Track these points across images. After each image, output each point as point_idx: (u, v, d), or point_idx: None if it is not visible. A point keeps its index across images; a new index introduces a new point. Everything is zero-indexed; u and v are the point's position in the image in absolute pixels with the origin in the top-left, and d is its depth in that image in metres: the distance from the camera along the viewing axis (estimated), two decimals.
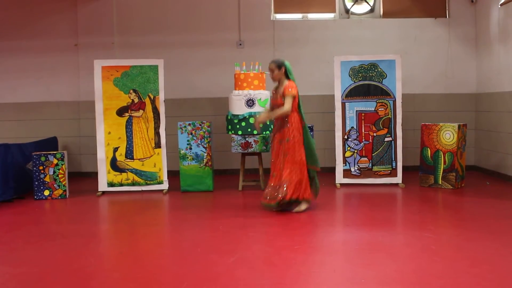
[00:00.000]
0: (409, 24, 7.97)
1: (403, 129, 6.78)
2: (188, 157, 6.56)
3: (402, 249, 4.09)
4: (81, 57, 7.99)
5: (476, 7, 7.90)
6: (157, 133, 6.62)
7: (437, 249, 3.98)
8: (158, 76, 6.61)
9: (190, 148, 6.56)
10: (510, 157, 6.89)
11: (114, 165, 6.59)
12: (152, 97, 6.61)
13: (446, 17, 8.02)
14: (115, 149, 6.58)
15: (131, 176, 6.61)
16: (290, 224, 4.89)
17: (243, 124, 6.42)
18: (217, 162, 7.77)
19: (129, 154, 6.60)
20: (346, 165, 6.74)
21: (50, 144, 7.45)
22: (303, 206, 5.30)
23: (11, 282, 3.46)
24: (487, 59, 7.59)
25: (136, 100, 6.60)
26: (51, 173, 6.30)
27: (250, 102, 6.43)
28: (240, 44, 7.97)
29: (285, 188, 5.14)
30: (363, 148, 6.71)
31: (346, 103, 6.72)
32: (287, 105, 5.15)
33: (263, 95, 6.45)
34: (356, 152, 6.72)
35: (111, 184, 6.59)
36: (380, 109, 6.67)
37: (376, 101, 6.67)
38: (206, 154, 6.56)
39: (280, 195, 5.15)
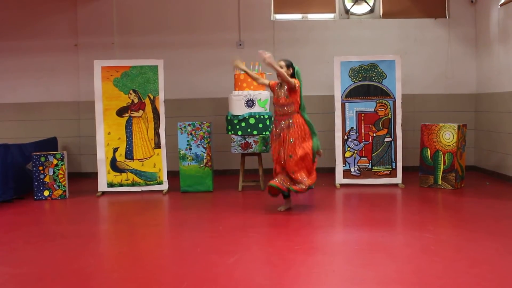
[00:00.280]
0: (409, 24, 7.97)
1: (403, 130, 6.79)
2: (188, 158, 6.56)
3: (402, 250, 4.09)
4: (81, 57, 7.99)
5: (476, 8, 7.90)
6: (157, 134, 6.62)
7: (437, 249, 3.98)
8: (158, 76, 6.61)
9: (190, 149, 6.56)
10: (510, 158, 6.89)
11: (114, 165, 6.59)
12: (152, 97, 6.61)
13: (446, 17, 8.02)
14: (115, 150, 6.58)
15: (131, 176, 6.61)
16: (290, 224, 4.89)
17: (243, 124, 6.41)
18: (217, 162, 7.77)
19: (129, 155, 6.60)
20: (346, 165, 6.74)
21: (50, 144, 7.45)
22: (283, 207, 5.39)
23: (11, 282, 3.46)
24: (487, 60, 7.59)
25: (136, 101, 6.60)
26: (51, 173, 6.30)
27: (250, 103, 6.43)
28: (240, 45, 7.97)
29: (304, 185, 5.19)
30: (363, 149, 6.71)
31: (346, 104, 6.72)
32: (292, 80, 5.13)
33: (263, 95, 6.45)
34: (356, 153, 6.72)
35: (111, 185, 6.59)
36: (380, 109, 6.67)
37: (376, 102, 6.68)
38: (206, 155, 6.56)
39: (303, 186, 5.18)
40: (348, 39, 7.91)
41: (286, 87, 5.22)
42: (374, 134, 6.69)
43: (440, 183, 6.49)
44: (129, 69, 6.60)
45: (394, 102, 6.65)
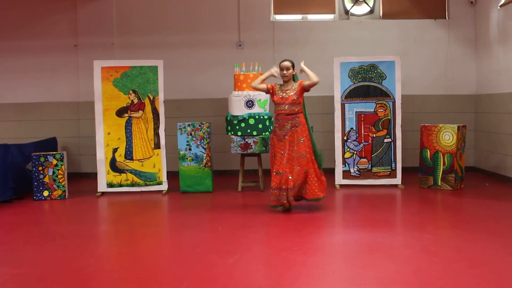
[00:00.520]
0: (409, 25, 7.97)
1: (403, 130, 6.79)
2: (187, 158, 6.56)
3: (402, 250, 4.09)
4: (80, 58, 7.99)
5: (475, 9, 7.90)
6: (156, 134, 6.62)
7: (437, 250, 3.98)
8: (157, 76, 6.61)
9: (190, 149, 6.56)
10: (509, 158, 6.90)
11: (114, 165, 6.59)
12: (151, 97, 6.61)
13: (445, 18, 8.03)
14: (115, 150, 6.58)
15: (131, 176, 6.61)
16: (290, 225, 4.89)
17: (243, 125, 6.42)
18: (217, 163, 7.77)
19: (129, 155, 6.60)
20: (345, 166, 6.74)
21: (50, 144, 7.45)
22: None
23: (11, 282, 3.46)
24: (486, 60, 7.60)
25: (135, 101, 6.60)
26: (51, 173, 6.29)
27: (249, 103, 6.43)
28: (240, 45, 7.98)
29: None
30: (363, 149, 6.71)
31: (345, 104, 6.72)
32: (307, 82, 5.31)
33: (263, 96, 6.45)
34: (356, 153, 6.73)
35: (110, 185, 6.59)
36: (379, 110, 6.67)
37: (375, 102, 6.68)
38: (205, 155, 6.56)
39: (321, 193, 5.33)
40: (348, 39, 7.91)
41: (294, 86, 5.31)
42: (374, 135, 6.69)
43: (439, 184, 6.49)
44: (129, 70, 6.60)
45: (393, 102, 6.65)
